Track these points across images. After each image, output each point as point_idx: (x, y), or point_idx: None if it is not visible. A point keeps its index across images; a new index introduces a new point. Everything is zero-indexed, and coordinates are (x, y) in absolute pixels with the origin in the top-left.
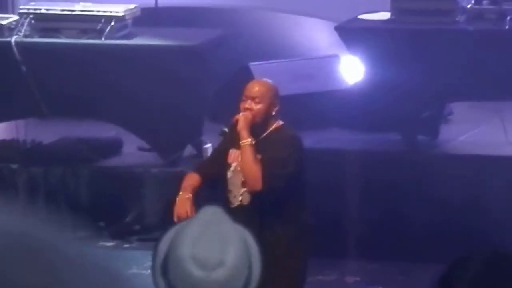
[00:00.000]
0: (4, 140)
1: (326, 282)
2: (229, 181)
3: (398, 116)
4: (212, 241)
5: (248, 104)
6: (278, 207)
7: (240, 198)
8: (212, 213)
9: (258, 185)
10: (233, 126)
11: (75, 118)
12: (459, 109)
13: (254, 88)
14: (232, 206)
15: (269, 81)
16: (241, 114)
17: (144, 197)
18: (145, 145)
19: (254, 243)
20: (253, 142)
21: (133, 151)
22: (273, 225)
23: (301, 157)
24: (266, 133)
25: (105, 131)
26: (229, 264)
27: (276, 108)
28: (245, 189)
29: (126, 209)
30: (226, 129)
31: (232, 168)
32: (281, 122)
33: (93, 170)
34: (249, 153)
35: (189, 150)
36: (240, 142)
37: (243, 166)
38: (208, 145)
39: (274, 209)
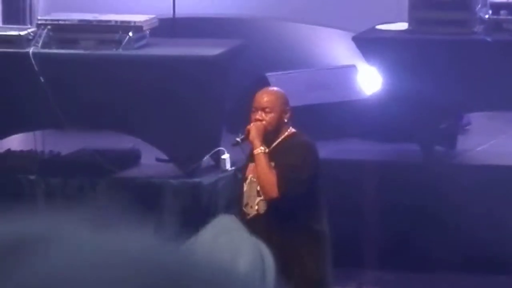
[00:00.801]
0: (22, 151)
1: None
2: (245, 194)
3: (416, 127)
4: (223, 250)
5: (259, 115)
6: (293, 214)
7: (256, 207)
8: (225, 222)
9: (274, 192)
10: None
11: (93, 129)
12: (477, 120)
13: (263, 98)
14: (249, 216)
15: (277, 89)
16: (252, 124)
17: (162, 208)
18: (163, 156)
19: (269, 256)
20: (266, 151)
21: (151, 162)
22: (288, 232)
23: (316, 162)
24: (279, 140)
25: (123, 142)
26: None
27: (287, 115)
28: (261, 198)
29: (143, 220)
30: (238, 139)
31: (248, 181)
32: (293, 130)
33: (111, 181)
34: (263, 161)
35: (207, 161)
36: (253, 151)
37: (258, 174)
38: (226, 156)
39: (289, 216)
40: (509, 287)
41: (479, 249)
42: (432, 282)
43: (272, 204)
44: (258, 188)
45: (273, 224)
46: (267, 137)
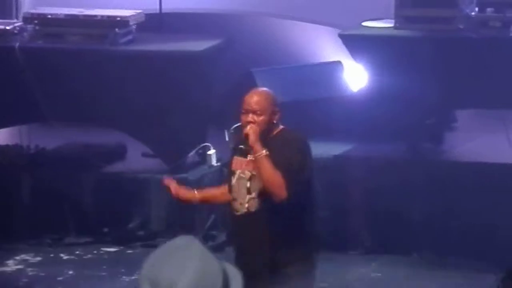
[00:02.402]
0: (8, 146)
1: None
2: (233, 188)
3: (402, 123)
4: (169, 264)
5: (250, 117)
6: (290, 213)
7: (246, 205)
8: (183, 241)
9: (283, 193)
10: (235, 134)
11: (79, 124)
12: (463, 117)
13: (253, 100)
14: (238, 213)
15: (265, 90)
16: (249, 127)
17: (148, 203)
18: (149, 151)
19: (238, 281)
20: (267, 153)
21: (137, 157)
22: (281, 232)
23: (311, 156)
24: (271, 136)
25: (109, 137)
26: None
27: (276, 116)
28: (251, 196)
29: (130, 215)
30: (242, 147)
31: (236, 176)
32: (282, 127)
33: (97, 176)
34: (267, 164)
35: (193, 156)
36: (255, 156)
37: (265, 177)
38: (212, 151)
39: (285, 215)
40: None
41: (466, 244)
42: (419, 278)
43: (267, 203)
44: (248, 185)
45: (266, 223)
46: (260, 137)
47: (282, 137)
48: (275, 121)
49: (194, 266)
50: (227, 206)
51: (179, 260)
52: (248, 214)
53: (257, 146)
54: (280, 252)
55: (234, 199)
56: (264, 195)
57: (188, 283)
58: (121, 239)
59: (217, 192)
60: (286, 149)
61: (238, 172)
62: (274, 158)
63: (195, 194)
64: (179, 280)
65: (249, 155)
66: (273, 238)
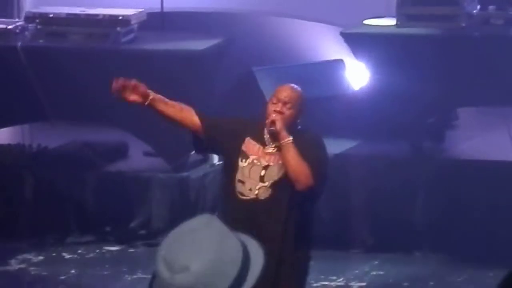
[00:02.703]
0: (10, 145)
1: (330, 287)
2: (241, 170)
3: (403, 122)
4: (186, 245)
5: (279, 107)
6: (300, 205)
7: (256, 192)
8: (201, 220)
9: (310, 180)
10: (251, 119)
11: (81, 123)
12: (464, 115)
13: (288, 92)
14: (244, 198)
15: (299, 89)
16: (275, 115)
17: (150, 201)
18: (151, 150)
19: (260, 259)
20: (292, 140)
21: (139, 156)
22: (287, 222)
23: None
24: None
25: (110, 136)
26: (193, 270)
27: (300, 117)
28: (264, 184)
29: (132, 214)
30: (273, 128)
31: (249, 160)
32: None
33: (99, 175)
34: (294, 151)
35: (194, 155)
36: (281, 142)
37: (292, 164)
38: None
39: (295, 206)
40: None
41: (466, 243)
42: (418, 277)
43: (279, 193)
44: (262, 173)
45: (274, 210)
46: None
47: (301, 135)
48: (298, 121)
49: (210, 248)
50: (227, 187)
51: (195, 241)
52: (256, 200)
53: (284, 132)
54: (284, 239)
55: (241, 182)
56: (278, 185)
57: (203, 265)
58: (123, 238)
59: (176, 105)
60: (308, 145)
61: (252, 157)
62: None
63: (148, 92)
64: (193, 261)
65: (267, 147)
66: (279, 225)
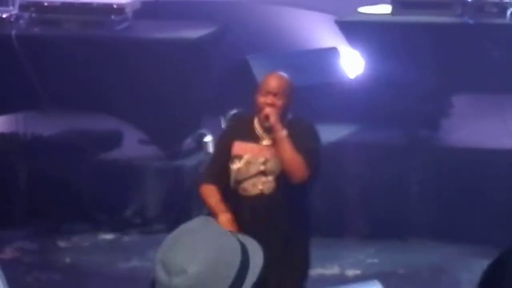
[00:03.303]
0: (4, 133)
1: (326, 275)
2: (237, 172)
3: (398, 110)
4: (182, 248)
5: (270, 99)
6: (302, 196)
7: (260, 187)
8: (198, 222)
9: (305, 173)
10: (237, 119)
11: (75, 111)
12: (459, 103)
13: (276, 82)
14: (248, 194)
15: (285, 74)
16: (268, 108)
17: (145, 190)
18: (145, 138)
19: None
20: (287, 133)
21: (133, 144)
22: (293, 214)
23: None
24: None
25: (105, 124)
26: (190, 273)
27: (291, 104)
28: (267, 179)
29: (126, 202)
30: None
31: (243, 160)
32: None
33: (94, 163)
34: (289, 144)
35: (189, 143)
36: (276, 135)
37: (287, 157)
38: (209, 139)
39: (298, 198)
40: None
41: (461, 230)
42: (413, 265)
43: (282, 185)
44: (262, 168)
45: (279, 205)
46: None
47: (294, 125)
48: (289, 108)
49: (207, 250)
50: (226, 191)
51: (192, 243)
52: (261, 195)
53: (278, 125)
54: (291, 231)
55: (241, 181)
56: (281, 178)
57: (200, 268)
58: (118, 226)
59: (220, 196)
60: (302, 135)
61: (246, 156)
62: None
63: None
64: (190, 264)
65: (263, 141)
66: (285, 218)
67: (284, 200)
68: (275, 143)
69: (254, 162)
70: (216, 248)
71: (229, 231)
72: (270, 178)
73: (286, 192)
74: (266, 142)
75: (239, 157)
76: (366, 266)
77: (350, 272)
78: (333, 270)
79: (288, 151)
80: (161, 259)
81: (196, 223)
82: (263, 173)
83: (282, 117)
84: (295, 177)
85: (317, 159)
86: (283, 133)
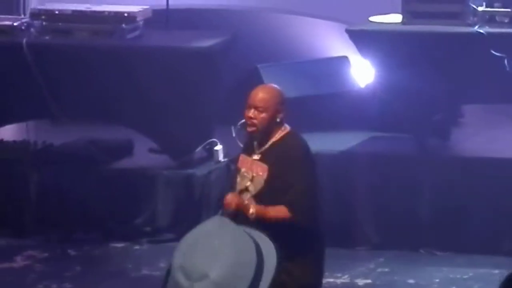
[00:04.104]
0: (15, 142)
1: (337, 284)
2: (238, 185)
3: (409, 119)
4: (202, 252)
5: (252, 113)
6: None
7: (246, 202)
8: (214, 224)
9: (290, 219)
10: (242, 130)
11: (86, 119)
12: (470, 112)
13: (258, 96)
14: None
15: (274, 86)
16: (229, 200)
17: (155, 198)
18: (156, 147)
19: (273, 257)
20: (255, 211)
21: (144, 153)
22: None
23: (314, 164)
24: (272, 141)
25: (115, 133)
26: (213, 278)
27: (280, 115)
28: (251, 194)
29: (137, 211)
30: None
31: (240, 173)
32: (287, 128)
33: (104, 172)
34: (267, 213)
35: (200, 152)
36: (250, 217)
37: (269, 220)
38: (219, 147)
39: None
40: None
41: (473, 240)
42: (425, 275)
43: (262, 203)
44: (248, 184)
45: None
46: (259, 137)
47: (284, 145)
48: (278, 120)
49: (227, 253)
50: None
51: (212, 248)
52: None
53: (245, 210)
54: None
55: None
56: (259, 198)
57: (222, 272)
58: (128, 235)
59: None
60: (290, 170)
61: (242, 170)
62: (276, 169)
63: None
64: (212, 269)
65: (253, 155)
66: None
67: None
68: (263, 158)
69: (246, 176)
70: (235, 251)
71: (244, 228)
72: (252, 193)
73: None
74: (256, 156)
75: (239, 171)
76: (376, 275)
77: (361, 282)
78: (343, 279)
79: (271, 218)
80: (180, 265)
81: (212, 226)
82: (247, 188)
83: (269, 131)
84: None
85: (305, 199)
86: (252, 213)
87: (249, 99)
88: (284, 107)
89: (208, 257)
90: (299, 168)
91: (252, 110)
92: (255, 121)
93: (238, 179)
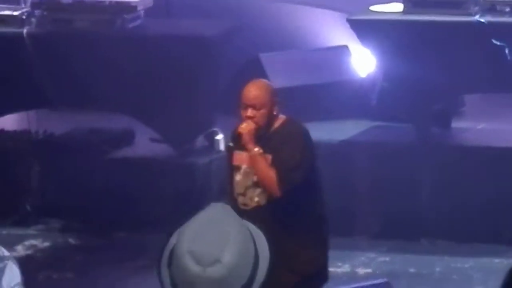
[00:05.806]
0: (15, 131)
1: (337, 274)
2: (238, 184)
3: (410, 108)
4: (212, 237)
5: (249, 112)
6: (297, 202)
7: (256, 199)
8: (218, 210)
9: (276, 191)
10: (235, 129)
11: (87, 109)
12: (471, 101)
13: (252, 94)
14: (247, 208)
15: (263, 81)
16: (243, 126)
17: (156, 187)
18: (157, 136)
19: (265, 244)
20: (261, 151)
21: (145, 142)
22: (292, 221)
23: (312, 148)
24: (273, 128)
25: (116, 122)
26: (225, 262)
27: (276, 107)
28: (260, 189)
29: (138, 200)
30: (231, 144)
31: (241, 171)
32: (284, 116)
33: (105, 161)
34: (261, 163)
35: (201, 141)
36: (249, 154)
37: (259, 176)
38: (220, 137)
39: (293, 205)
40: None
41: (471, 229)
42: (424, 263)
43: (273, 197)
44: (255, 178)
45: (277, 214)
46: (260, 131)
47: (284, 131)
48: (275, 113)
49: (237, 239)
50: (231, 201)
51: (222, 233)
52: (259, 208)
53: (251, 145)
54: (293, 240)
55: (241, 194)
56: None
57: (233, 256)
58: (129, 224)
59: None
60: (286, 144)
61: (243, 167)
62: (276, 154)
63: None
64: (223, 254)
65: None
66: (284, 229)
67: (279, 210)
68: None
69: (250, 172)
70: (243, 237)
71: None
72: (262, 188)
73: (280, 202)
74: (257, 149)
75: (238, 168)
76: (377, 264)
77: (361, 271)
78: (344, 268)
79: (261, 170)
80: (189, 250)
81: (215, 212)
82: (256, 184)
83: (268, 124)
84: (269, 193)
85: (298, 174)
86: (255, 152)
87: (243, 98)
88: (277, 98)
89: (219, 242)
90: (297, 147)
91: (250, 110)
92: (255, 119)
93: (239, 177)
